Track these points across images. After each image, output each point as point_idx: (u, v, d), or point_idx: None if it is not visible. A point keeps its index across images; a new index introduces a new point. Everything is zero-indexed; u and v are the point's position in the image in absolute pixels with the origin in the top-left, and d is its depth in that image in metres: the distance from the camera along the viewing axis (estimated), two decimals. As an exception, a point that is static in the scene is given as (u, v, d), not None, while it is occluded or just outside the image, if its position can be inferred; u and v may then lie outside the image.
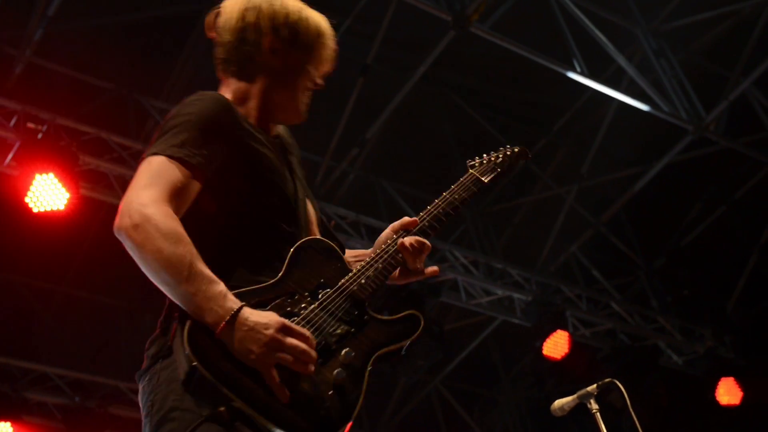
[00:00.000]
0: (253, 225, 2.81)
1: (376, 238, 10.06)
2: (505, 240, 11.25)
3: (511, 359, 12.19)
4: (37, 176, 7.40)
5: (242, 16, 2.98)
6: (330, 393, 2.55)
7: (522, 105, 10.72)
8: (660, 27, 9.58)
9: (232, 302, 2.49)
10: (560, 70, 8.72)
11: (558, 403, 3.91)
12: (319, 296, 2.71)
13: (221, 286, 2.52)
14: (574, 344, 9.94)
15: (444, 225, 3.12)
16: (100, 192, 8.08)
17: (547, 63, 8.64)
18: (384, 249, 2.94)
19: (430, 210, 3.09)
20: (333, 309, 2.69)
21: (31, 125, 7.68)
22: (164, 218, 2.54)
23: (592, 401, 3.75)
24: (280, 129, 3.17)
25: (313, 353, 2.50)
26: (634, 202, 10.55)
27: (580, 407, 3.86)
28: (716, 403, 10.62)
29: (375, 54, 8.91)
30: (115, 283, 9.81)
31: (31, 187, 7.41)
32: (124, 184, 8.06)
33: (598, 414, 3.71)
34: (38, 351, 9.66)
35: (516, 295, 10.20)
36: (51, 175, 7.42)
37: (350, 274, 2.82)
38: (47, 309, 10.13)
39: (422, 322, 2.87)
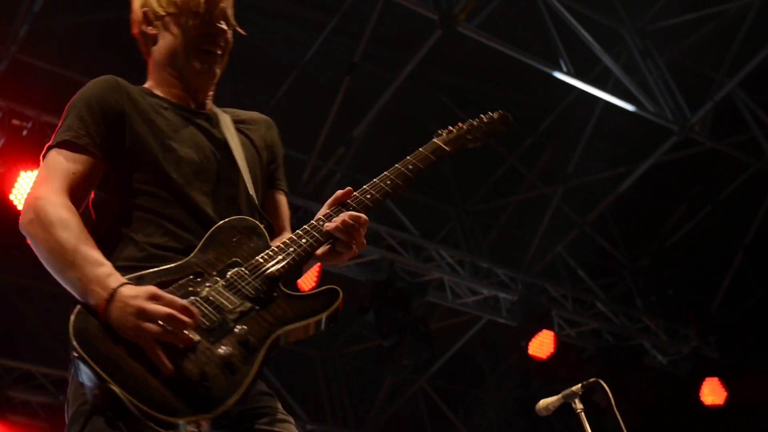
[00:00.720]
0: (162, 203, 2.76)
1: (363, 237, 9.79)
2: (491, 239, 11.26)
3: (496, 359, 12.21)
4: (22, 173, 7.39)
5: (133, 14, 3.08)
6: (215, 372, 2.43)
7: (508, 104, 10.69)
8: (646, 27, 9.61)
9: (114, 281, 2.46)
10: (547, 69, 8.73)
11: (543, 402, 3.92)
12: (227, 275, 2.63)
13: (106, 268, 2.50)
14: (560, 344, 9.97)
15: (390, 197, 2.95)
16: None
17: (534, 62, 8.65)
18: (312, 224, 2.81)
19: (376, 182, 2.95)
20: (239, 286, 2.60)
21: (15, 122, 7.65)
22: (53, 207, 2.58)
23: (576, 401, 3.76)
24: (237, 112, 3.16)
25: (182, 317, 2.41)
26: (620, 202, 10.57)
27: (565, 407, 3.87)
28: (700, 403, 10.66)
29: (362, 52, 8.90)
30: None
31: (16, 185, 7.39)
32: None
33: (582, 414, 3.72)
34: (22, 349, 9.61)
35: (502, 295, 10.21)
36: (36, 172, 7.39)
37: (267, 251, 2.71)
38: (31, 307, 10.08)
39: (340, 296, 2.65)
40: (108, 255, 2.60)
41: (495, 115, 3.34)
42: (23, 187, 7.39)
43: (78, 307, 2.49)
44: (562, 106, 10.52)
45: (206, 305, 2.52)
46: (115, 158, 2.78)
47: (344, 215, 2.79)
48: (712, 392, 10.69)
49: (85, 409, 2.49)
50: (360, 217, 2.79)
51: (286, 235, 2.94)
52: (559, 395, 3.83)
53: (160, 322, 2.40)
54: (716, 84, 9.33)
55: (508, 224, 11.43)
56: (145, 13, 3.02)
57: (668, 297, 11.63)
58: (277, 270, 2.67)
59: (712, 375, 10.73)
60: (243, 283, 2.61)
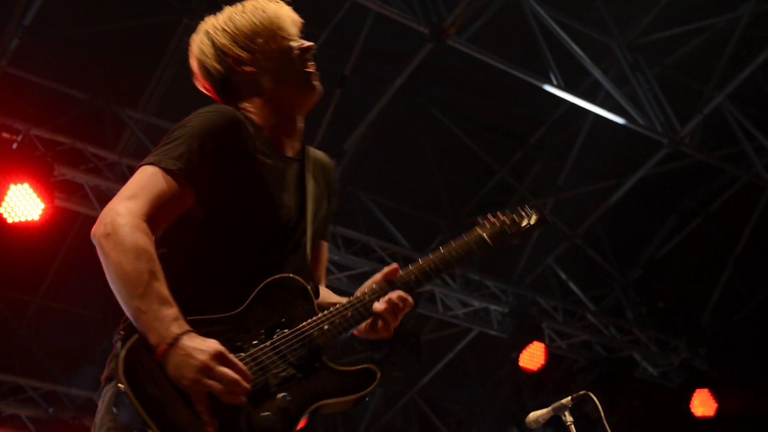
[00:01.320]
0: (235, 250, 2.74)
1: (353, 249, 10.03)
2: (481, 252, 11.24)
3: (487, 371, 12.19)
4: (12, 186, 7.35)
5: (199, 59, 2.98)
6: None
7: (499, 117, 10.74)
8: (636, 41, 9.62)
9: (178, 327, 2.44)
10: (537, 82, 8.75)
11: (533, 415, 3.90)
12: (275, 336, 2.63)
13: (173, 310, 2.47)
14: (550, 356, 9.97)
15: (431, 281, 2.98)
16: (75, 203, 8.03)
17: (524, 76, 8.67)
18: (359, 298, 2.81)
19: (420, 264, 2.92)
20: (285, 351, 2.60)
21: (6, 135, 7.63)
22: (133, 231, 2.52)
23: (566, 413, 3.74)
24: (315, 153, 3.10)
25: (245, 384, 2.43)
26: (610, 214, 10.59)
27: (554, 420, 3.86)
28: (691, 414, 10.66)
29: (353, 66, 8.92)
30: (90, 295, 9.74)
31: (6, 198, 7.35)
32: (99, 194, 8.01)
33: (572, 426, 3.71)
34: (12, 362, 9.57)
35: (492, 307, 10.21)
36: (26, 185, 7.37)
37: (313, 318, 2.71)
38: (21, 320, 10.05)
39: (377, 378, 2.73)
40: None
41: (535, 218, 3.35)
42: (12, 201, 7.35)
43: (134, 339, 2.46)
44: (552, 119, 10.53)
45: (252, 365, 2.53)
46: (208, 196, 2.72)
47: (395, 294, 2.79)
48: (703, 404, 10.69)
49: None
50: (408, 299, 2.80)
51: (323, 290, 2.98)
52: (549, 408, 3.81)
53: (221, 384, 2.40)
54: (705, 97, 9.34)
55: (499, 236, 11.40)
56: (234, 47, 2.92)
57: (658, 309, 11.63)
58: (322, 341, 2.68)
59: (702, 386, 10.73)
60: (288, 348, 2.62)
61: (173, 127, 2.78)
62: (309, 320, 2.69)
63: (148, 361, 2.43)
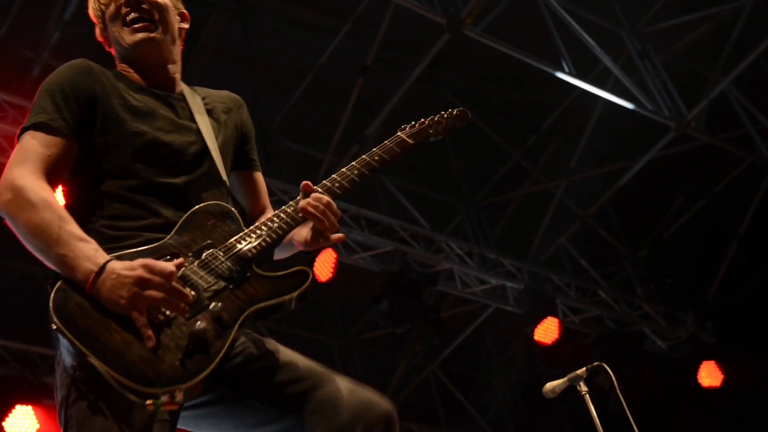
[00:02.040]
0: (136, 187, 2.71)
1: (376, 230, 9.99)
2: (497, 232, 11.24)
3: (504, 344, 12.19)
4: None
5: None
6: (190, 346, 2.41)
7: (513, 103, 10.70)
8: (644, 29, 9.56)
9: (102, 257, 2.44)
10: (549, 70, 8.70)
11: (549, 385, 3.90)
12: (203, 255, 2.61)
13: (91, 244, 2.47)
14: (564, 330, 9.95)
15: (357, 185, 2.89)
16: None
17: (537, 63, 8.62)
18: (284, 210, 2.76)
19: (344, 171, 2.88)
20: (214, 267, 2.58)
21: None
22: (33, 188, 2.53)
23: (581, 384, 3.74)
24: (210, 92, 3.12)
25: (183, 290, 2.41)
26: (620, 195, 10.53)
27: (570, 389, 3.85)
28: (698, 385, 10.63)
29: (374, 56, 8.90)
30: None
31: (49, 183, 7.39)
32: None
33: (587, 396, 3.70)
34: (55, 338, 9.64)
35: (508, 284, 10.19)
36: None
37: (240, 234, 2.69)
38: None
39: (309, 278, 2.63)
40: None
41: (455, 112, 3.37)
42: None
43: (59, 282, 2.45)
44: (564, 105, 10.49)
45: (183, 283, 2.49)
46: (88, 142, 2.73)
47: (308, 199, 2.71)
48: (709, 375, 10.66)
49: (65, 390, 2.50)
50: (322, 198, 2.70)
51: (269, 213, 2.92)
52: (565, 378, 3.81)
53: (161, 292, 2.39)
54: (711, 82, 9.30)
55: (514, 217, 11.40)
56: (97, 18, 3.03)
57: (667, 285, 11.59)
58: (249, 251, 2.64)
59: (709, 358, 10.69)
60: (217, 263, 2.59)
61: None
62: (236, 237, 2.68)
63: (78, 297, 2.42)
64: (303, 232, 2.76)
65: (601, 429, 3.57)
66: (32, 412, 8.46)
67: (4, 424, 8.33)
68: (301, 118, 9.62)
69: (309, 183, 2.75)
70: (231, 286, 2.56)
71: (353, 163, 2.93)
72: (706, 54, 9.56)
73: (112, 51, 3.03)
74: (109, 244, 2.57)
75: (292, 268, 2.67)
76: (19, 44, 8.15)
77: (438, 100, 10.38)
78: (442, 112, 3.35)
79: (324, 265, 8.75)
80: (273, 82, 9.40)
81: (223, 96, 3.13)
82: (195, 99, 3.01)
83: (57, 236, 2.47)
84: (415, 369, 11.79)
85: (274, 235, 2.69)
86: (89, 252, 2.45)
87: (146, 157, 2.74)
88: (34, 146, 2.65)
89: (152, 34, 2.91)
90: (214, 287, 2.54)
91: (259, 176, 3.13)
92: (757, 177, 10.83)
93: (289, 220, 2.72)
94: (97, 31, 3.06)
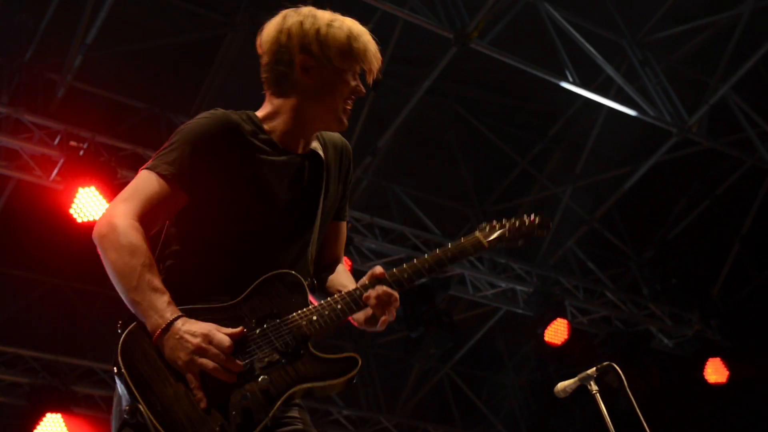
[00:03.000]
0: (234, 243, 2.72)
1: (389, 238, 9.98)
2: (507, 237, 11.20)
3: (515, 346, 12.16)
4: (80, 189, 7.43)
5: (276, 39, 2.81)
6: (232, 413, 2.45)
7: (519, 113, 10.69)
8: (644, 38, 9.54)
9: (171, 312, 2.49)
10: (554, 80, 8.69)
11: (561, 385, 3.88)
12: (265, 325, 2.62)
13: (165, 297, 2.51)
14: (573, 331, 9.92)
15: (423, 278, 2.91)
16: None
17: (542, 74, 8.61)
18: (349, 291, 2.76)
19: (414, 263, 2.87)
20: (272, 338, 2.59)
21: (73, 143, 7.70)
22: (127, 230, 2.56)
23: (592, 383, 3.72)
24: (329, 137, 3.02)
25: (235, 363, 2.46)
26: (625, 199, 10.51)
27: (581, 389, 3.84)
28: (704, 381, 10.57)
29: (384, 70, 8.89)
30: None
31: (75, 200, 7.43)
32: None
33: (598, 395, 3.68)
34: (84, 348, 9.68)
35: (518, 287, 10.17)
36: (93, 188, 7.45)
37: (304, 310, 2.68)
38: (91, 309, 10.16)
39: (359, 365, 2.67)
40: (167, 286, 2.59)
41: (536, 221, 3.20)
42: (81, 202, 7.43)
43: (133, 325, 2.52)
44: (568, 113, 10.46)
45: (240, 349, 2.53)
46: (204, 195, 2.71)
47: (379, 288, 2.73)
48: (715, 371, 10.59)
49: (116, 425, 2.53)
50: (392, 294, 2.74)
51: (338, 266, 2.97)
52: (576, 378, 3.79)
53: (213, 362, 2.44)
54: (711, 88, 9.26)
55: (522, 222, 11.36)
56: (308, 51, 2.80)
57: (672, 285, 11.54)
58: (308, 329, 2.65)
59: (714, 355, 10.63)
60: (276, 336, 2.61)
61: (174, 132, 2.78)
62: (299, 311, 2.67)
63: (146, 345, 2.48)
64: (360, 315, 2.78)
65: (612, 427, 3.55)
66: (62, 420, 8.50)
67: (35, 431, 8.36)
68: (315, 132, 9.63)
69: (381, 272, 2.78)
70: (284, 361, 2.59)
71: (426, 256, 2.91)
72: (706, 61, 9.53)
73: (278, 89, 2.86)
74: (184, 295, 2.60)
75: (343, 354, 2.68)
76: (44, 67, 8.20)
77: (447, 112, 10.40)
78: (524, 218, 3.19)
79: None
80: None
81: (335, 140, 3.05)
82: (319, 156, 2.93)
83: (136, 283, 2.51)
84: (430, 371, 11.77)
85: (335, 318, 2.70)
86: (161, 305, 2.50)
87: (251, 226, 2.74)
88: (144, 188, 2.66)
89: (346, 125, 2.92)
90: (268, 359, 2.57)
91: (343, 226, 3.09)
92: (758, 179, 10.78)
93: (353, 305, 2.73)
94: (285, 58, 2.81)
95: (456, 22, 8.06)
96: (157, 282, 2.53)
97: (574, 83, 8.69)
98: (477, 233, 3.07)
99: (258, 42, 2.89)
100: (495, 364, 12.37)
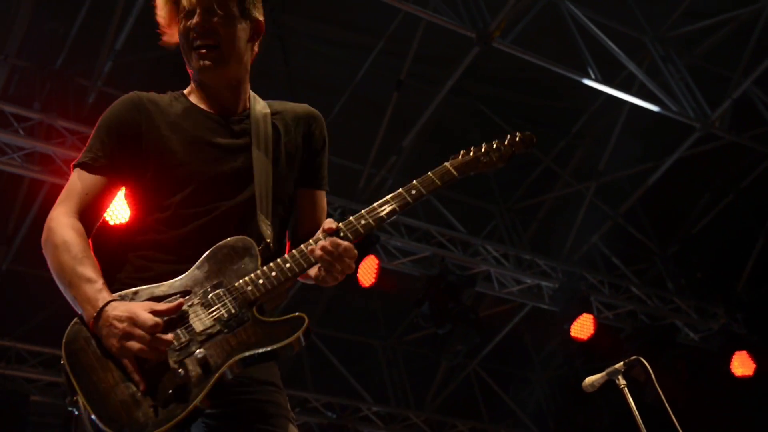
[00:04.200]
0: (173, 217, 2.66)
1: (415, 236, 9.95)
2: (531, 233, 11.18)
3: (541, 341, 12.11)
4: (112, 193, 7.45)
5: None
6: (168, 392, 2.39)
7: (542, 110, 10.64)
8: (666, 34, 9.48)
9: (101, 300, 2.46)
10: (576, 77, 8.65)
11: (589, 380, 3.86)
12: (209, 296, 2.54)
13: (97, 285, 2.49)
14: (599, 326, 9.85)
15: (386, 222, 2.71)
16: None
17: (564, 71, 8.58)
18: (300, 249, 2.61)
19: (375, 207, 2.70)
20: (215, 309, 2.51)
21: (104, 147, 7.73)
22: (59, 229, 2.59)
23: (619, 377, 3.69)
24: (295, 109, 2.97)
25: (162, 340, 2.40)
26: (649, 194, 10.45)
27: (608, 383, 3.81)
28: (731, 374, 10.48)
29: (407, 70, 8.90)
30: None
31: (107, 203, 7.45)
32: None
33: (626, 389, 3.65)
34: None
35: (544, 283, 10.13)
36: (123, 190, 7.47)
37: (251, 275, 2.56)
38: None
39: (305, 324, 2.48)
40: (120, 270, 2.62)
41: (518, 137, 3.04)
42: (114, 206, 7.46)
43: (74, 320, 2.53)
44: (591, 110, 10.42)
45: (180, 324, 2.49)
46: (135, 175, 2.72)
47: (324, 242, 2.56)
48: (742, 364, 10.50)
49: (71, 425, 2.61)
50: (339, 244, 2.55)
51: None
52: (604, 373, 3.76)
53: (139, 343, 2.39)
54: (733, 83, 9.20)
55: (547, 219, 11.33)
56: (164, 31, 2.93)
57: (697, 279, 11.45)
58: (253, 294, 2.54)
59: (741, 349, 10.54)
60: (219, 305, 2.52)
61: None
62: (247, 277, 2.57)
63: (84, 334, 2.48)
64: (311, 270, 2.63)
65: (640, 421, 3.52)
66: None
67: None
68: (340, 133, 9.62)
69: (332, 224, 2.62)
70: (225, 330, 2.49)
71: (387, 197, 2.73)
72: (728, 56, 9.46)
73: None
74: (135, 274, 2.61)
75: (290, 315, 2.53)
76: (75, 73, 8.26)
77: (470, 110, 10.36)
78: (506, 138, 3.02)
79: (367, 271, 8.75)
80: (312, 100, 9.32)
81: (297, 109, 2.99)
82: (260, 119, 2.87)
83: (69, 279, 2.53)
84: (457, 367, 11.75)
85: (282, 277, 2.57)
86: (92, 294, 2.48)
87: (185, 189, 2.68)
88: (75, 185, 2.70)
89: (214, 64, 2.79)
90: (209, 330, 2.49)
91: (318, 195, 2.94)
92: (782, 172, 10.69)
93: (302, 261, 2.59)
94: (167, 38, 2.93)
95: (478, 22, 8.04)
96: (89, 272, 2.51)
97: (596, 80, 8.64)
98: (446, 163, 2.88)
99: None
100: (521, 359, 12.33)
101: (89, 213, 2.67)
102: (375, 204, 2.71)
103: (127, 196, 2.76)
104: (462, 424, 11.18)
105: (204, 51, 2.78)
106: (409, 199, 2.72)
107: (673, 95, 9.07)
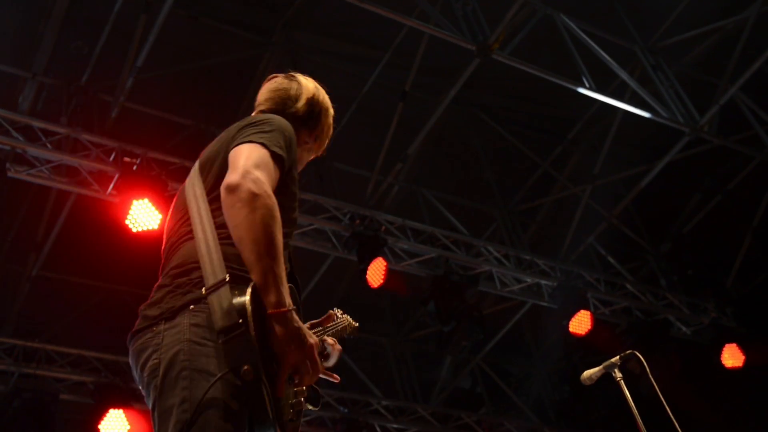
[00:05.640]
0: (287, 234, 2.70)
1: (421, 239, 9.94)
2: (531, 235, 11.17)
3: (541, 337, 12.09)
4: (135, 202, 7.49)
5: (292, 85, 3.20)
6: (290, 411, 2.47)
7: (539, 118, 10.65)
8: (656, 44, 9.48)
9: (290, 301, 2.43)
10: (571, 86, 8.65)
11: (587, 373, 3.86)
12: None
13: (288, 286, 2.49)
14: (596, 321, 9.84)
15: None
16: (187, 212, 8.13)
17: (560, 81, 8.57)
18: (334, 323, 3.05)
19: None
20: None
21: (127, 159, 7.77)
22: (275, 204, 2.48)
23: (616, 371, 3.70)
24: None
25: (316, 376, 2.48)
26: (641, 196, 10.42)
27: (605, 376, 3.81)
28: (722, 366, 10.45)
29: (412, 82, 8.92)
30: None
31: (130, 211, 7.49)
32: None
33: (622, 381, 3.66)
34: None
35: (543, 282, 10.12)
36: (146, 200, 7.50)
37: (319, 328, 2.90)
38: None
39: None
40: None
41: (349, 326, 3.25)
42: (136, 214, 7.49)
43: (252, 286, 2.37)
44: (586, 117, 10.42)
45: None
46: (281, 184, 2.71)
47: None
48: (732, 356, 10.46)
49: (208, 372, 2.33)
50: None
51: None
52: (601, 366, 3.77)
53: (312, 369, 2.43)
54: (720, 89, 9.18)
55: (545, 221, 11.33)
56: (319, 108, 3.17)
57: (688, 276, 11.43)
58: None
59: (731, 341, 10.50)
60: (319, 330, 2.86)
61: (255, 120, 2.77)
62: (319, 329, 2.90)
63: (262, 311, 2.36)
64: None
65: (636, 411, 3.52)
66: (123, 416, 8.58)
67: (99, 426, 8.46)
68: (348, 142, 9.65)
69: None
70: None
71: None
72: (715, 64, 9.45)
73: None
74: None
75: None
76: (99, 89, 8.30)
77: (471, 119, 10.38)
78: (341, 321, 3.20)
79: (376, 273, 8.76)
80: (322, 111, 9.44)
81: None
82: None
83: (278, 256, 2.42)
84: (462, 362, 11.74)
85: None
86: (287, 290, 2.46)
87: (296, 211, 2.82)
88: (271, 165, 2.59)
89: None
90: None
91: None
92: (767, 173, 10.66)
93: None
94: (306, 108, 3.13)
95: (478, 35, 8.05)
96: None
97: (590, 89, 8.64)
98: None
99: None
100: (523, 354, 12.31)
101: None
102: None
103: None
104: (467, 416, 11.16)
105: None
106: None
107: (664, 102, 9.06)
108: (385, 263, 8.80)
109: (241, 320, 2.28)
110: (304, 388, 2.51)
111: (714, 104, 9.10)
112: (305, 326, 2.45)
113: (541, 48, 8.93)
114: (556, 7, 8.79)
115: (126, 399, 8.78)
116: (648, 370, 3.60)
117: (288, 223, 2.66)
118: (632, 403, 3.57)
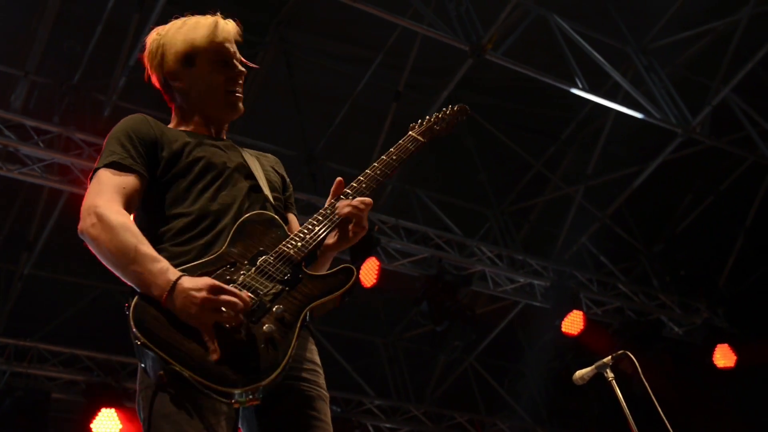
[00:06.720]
0: (195, 204, 2.74)
1: (414, 238, 9.95)
2: (524, 235, 11.17)
3: (534, 337, 12.09)
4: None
5: (147, 65, 3.05)
6: (261, 346, 2.42)
7: (532, 118, 10.64)
8: (648, 46, 9.49)
9: (172, 274, 2.45)
10: (564, 87, 8.66)
11: (579, 373, 3.85)
12: (257, 262, 2.61)
13: (163, 263, 2.48)
14: (588, 322, 9.85)
15: (380, 184, 2.94)
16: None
17: (553, 81, 8.58)
18: (322, 213, 2.79)
19: (368, 172, 2.93)
20: (269, 272, 2.58)
21: (119, 158, 7.73)
22: (113, 214, 2.56)
23: (608, 371, 3.69)
24: (254, 152, 3.12)
25: (242, 304, 2.41)
26: (634, 196, 10.45)
27: (597, 376, 3.81)
28: (714, 366, 10.47)
29: (405, 82, 8.91)
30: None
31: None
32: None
33: (614, 381, 3.65)
34: (134, 347, 9.73)
35: (536, 282, 10.12)
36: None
37: (287, 240, 2.70)
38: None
39: (355, 274, 2.65)
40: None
41: (456, 108, 3.40)
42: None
43: (135, 299, 2.47)
44: (579, 117, 10.43)
45: (244, 291, 2.51)
46: (154, 177, 2.77)
47: (356, 200, 2.78)
48: (724, 356, 10.48)
49: (149, 393, 2.47)
50: (365, 200, 2.79)
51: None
52: (593, 366, 3.76)
53: (223, 309, 2.40)
54: (713, 90, 9.20)
55: (538, 221, 11.33)
56: (168, 72, 2.97)
57: (680, 276, 11.45)
58: (300, 255, 2.65)
59: (722, 342, 10.52)
60: (271, 268, 2.60)
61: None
62: (284, 242, 2.68)
63: (154, 311, 2.43)
64: (329, 239, 2.79)
65: (627, 411, 3.52)
66: (115, 415, 8.55)
67: (92, 425, 8.43)
68: (342, 141, 9.66)
69: (340, 184, 2.86)
70: (287, 288, 2.57)
71: (374, 164, 2.97)
72: (707, 65, 9.46)
73: (173, 102, 3.04)
74: (175, 259, 2.59)
75: (337, 267, 2.69)
76: (91, 88, 8.27)
77: (465, 119, 10.35)
78: (444, 109, 3.37)
79: (368, 272, 8.75)
80: (316, 110, 9.45)
81: (267, 155, 3.19)
82: (239, 147, 3.06)
83: (134, 256, 2.49)
84: (455, 362, 11.73)
85: (317, 237, 2.72)
86: (163, 269, 2.47)
87: (202, 178, 2.79)
88: (109, 179, 2.68)
89: (240, 105, 3.02)
90: (273, 291, 2.54)
91: (293, 218, 3.08)
92: (759, 175, 10.71)
93: (328, 222, 2.76)
94: (163, 83, 3.02)
95: (471, 36, 8.05)
96: (152, 251, 2.52)
97: (583, 89, 8.65)
98: (410, 132, 3.20)
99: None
100: (516, 354, 12.31)
101: (125, 207, 2.66)
102: (367, 170, 2.94)
103: (136, 196, 2.75)
104: (460, 416, 11.16)
105: (235, 97, 2.99)
106: (394, 163, 3.01)
107: (656, 103, 9.07)
108: (378, 263, 8.79)
109: (136, 340, 2.40)
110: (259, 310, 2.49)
111: (706, 105, 9.12)
112: (194, 282, 2.43)
113: (535, 49, 8.94)
114: (550, 8, 8.79)
115: (118, 398, 8.75)
116: (640, 370, 3.60)
117: (188, 196, 2.74)
118: (624, 403, 3.56)
